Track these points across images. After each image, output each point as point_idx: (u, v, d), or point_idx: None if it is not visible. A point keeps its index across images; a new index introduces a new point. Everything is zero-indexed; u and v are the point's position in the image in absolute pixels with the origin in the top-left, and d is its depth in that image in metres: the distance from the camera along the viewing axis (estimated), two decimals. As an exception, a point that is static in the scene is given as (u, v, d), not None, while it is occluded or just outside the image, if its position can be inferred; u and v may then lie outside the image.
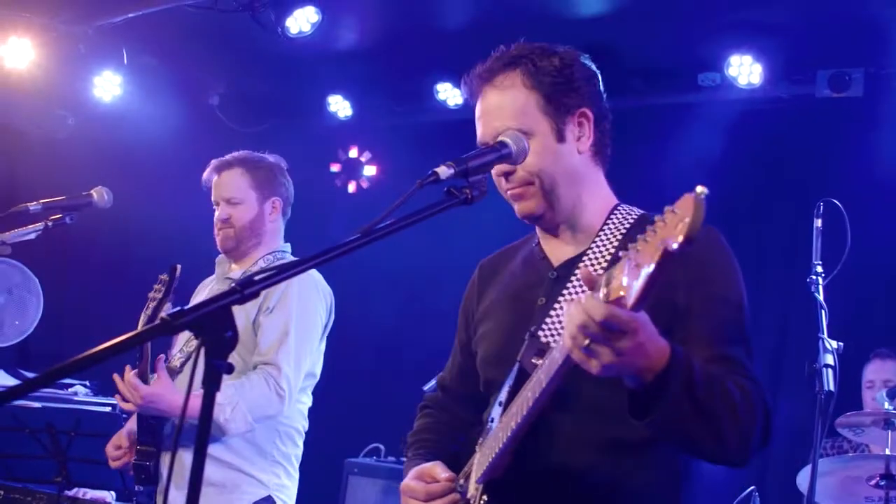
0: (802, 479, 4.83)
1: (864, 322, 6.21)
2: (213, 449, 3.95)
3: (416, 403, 3.04)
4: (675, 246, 1.70)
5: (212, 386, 1.98)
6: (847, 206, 4.56)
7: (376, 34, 7.37)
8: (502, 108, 2.53)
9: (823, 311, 4.41)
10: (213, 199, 4.39)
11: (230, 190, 4.33)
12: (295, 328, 4.11)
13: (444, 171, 2.32)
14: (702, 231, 2.43)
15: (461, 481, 2.52)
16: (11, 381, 6.91)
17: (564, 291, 2.52)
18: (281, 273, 2.09)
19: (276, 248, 4.41)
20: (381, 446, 7.25)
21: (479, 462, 2.47)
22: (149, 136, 8.00)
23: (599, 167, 2.65)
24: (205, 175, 4.42)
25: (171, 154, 7.86)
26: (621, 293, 1.83)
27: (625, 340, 1.95)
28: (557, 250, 2.63)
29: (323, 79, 8.30)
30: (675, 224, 1.71)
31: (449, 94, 7.70)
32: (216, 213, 4.37)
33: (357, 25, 7.46)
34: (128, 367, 3.95)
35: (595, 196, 2.62)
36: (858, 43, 6.39)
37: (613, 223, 2.58)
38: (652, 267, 1.75)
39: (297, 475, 4.28)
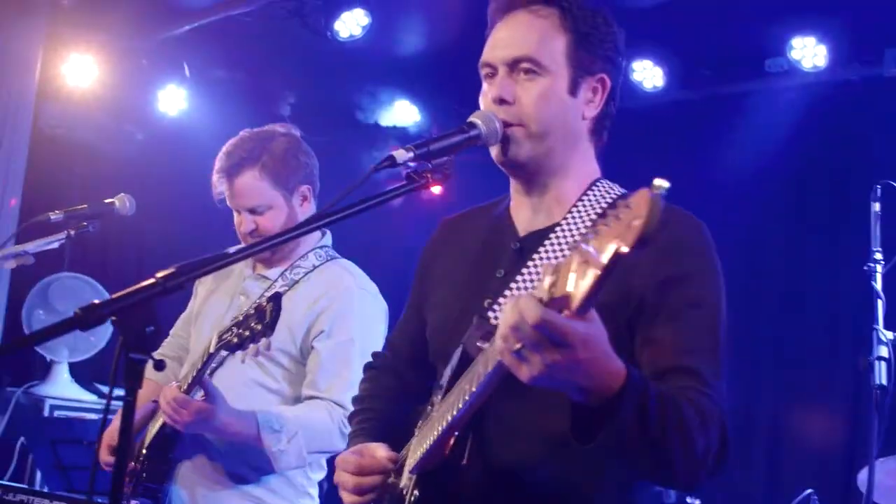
0: (864, 479, 4.55)
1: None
2: (246, 486, 3.69)
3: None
4: (625, 248, 1.53)
5: (133, 383, 1.89)
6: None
7: (443, 36, 7.30)
8: (527, 35, 2.37)
9: (880, 301, 4.17)
10: (229, 205, 3.87)
11: (251, 199, 3.78)
12: (358, 358, 3.54)
13: (401, 154, 2.22)
14: (684, 222, 2.30)
15: (399, 462, 2.39)
16: (88, 396, 7.01)
17: (525, 269, 2.34)
18: (206, 266, 1.99)
19: (316, 243, 3.93)
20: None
21: (414, 450, 2.31)
22: (217, 148, 8.04)
23: (593, 145, 2.48)
24: (214, 179, 3.87)
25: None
26: (567, 290, 1.66)
27: (559, 353, 1.74)
28: (526, 218, 2.45)
29: (390, 84, 8.25)
30: (628, 222, 1.53)
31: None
32: (237, 221, 3.87)
33: (420, 28, 7.41)
34: (172, 384, 3.52)
35: (582, 167, 2.45)
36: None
37: (590, 198, 2.40)
38: (600, 269, 1.58)
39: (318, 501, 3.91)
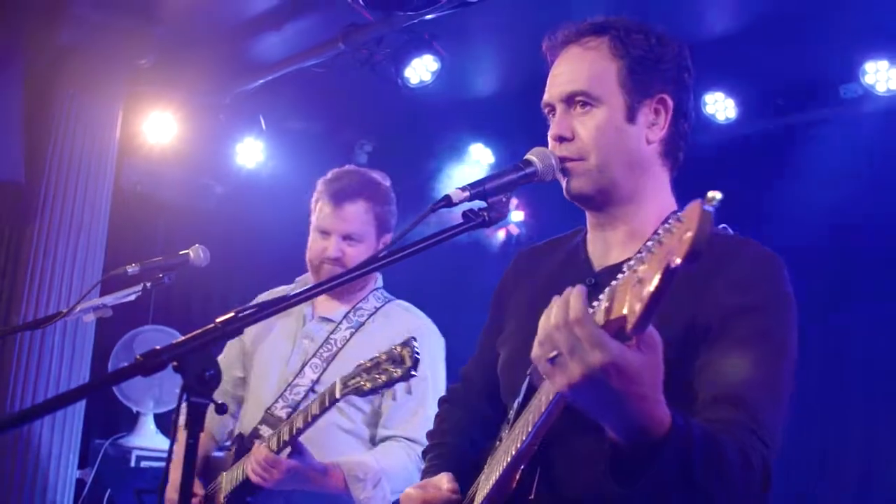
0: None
1: None
2: None
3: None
4: (677, 261, 1.48)
5: (195, 427, 1.92)
6: None
7: (511, 78, 7.34)
8: (579, 69, 2.36)
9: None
10: (322, 226, 3.91)
11: (352, 226, 3.87)
12: (431, 394, 3.70)
13: (457, 194, 2.23)
14: (758, 254, 2.24)
15: (467, 497, 2.37)
16: (173, 445, 7.09)
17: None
18: (265, 310, 2.02)
19: (374, 285, 4.07)
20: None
21: (482, 485, 2.29)
22: (296, 199, 8.15)
23: (667, 168, 2.43)
24: (318, 196, 3.96)
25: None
26: (623, 312, 1.62)
27: (591, 358, 1.69)
28: (601, 252, 2.42)
29: (463, 128, 8.30)
30: (680, 236, 1.50)
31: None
32: (320, 243, 3.91)
33: (490, 71, 7.45)
34: (257, 443, 3.64)
35: (655, 196, 2.39)
36: None
37: None
38: (654, 285, 1.53)
39: None
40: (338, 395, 3.37)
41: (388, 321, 3.94)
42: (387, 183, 4.07)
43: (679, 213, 1.54)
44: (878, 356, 6.52)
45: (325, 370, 3.87)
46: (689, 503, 1.88)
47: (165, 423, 7.33)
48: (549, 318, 1.77)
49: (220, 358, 4.13)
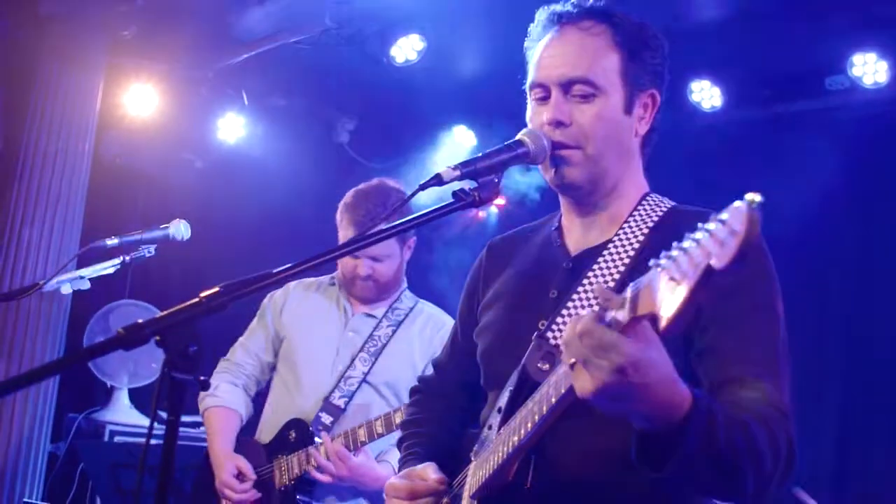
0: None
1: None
2: None
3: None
4: (721, 264, 1.46)
5: (176, 403, 1.88)
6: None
7: (496, 61, 7.29)
8: (581, 54, 2.33)
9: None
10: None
11: (379, 249, 4.10)
12: None
13: (448, 173, 2.20)
14: None
15: (453, 488, 2.36)
16: (148, 422, 7.03)
17: (580, 287, 2.29)
18: (250, 285, 1.98)
19: (405, 284, 4.37)
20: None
21: (474, 474, 2.28)
22: (276, 175, 8.12)
23: (643, 158, 2.46)
24: (342, 218, 4.18)
25: (300, 192, 7.92)
26: (654, 309, 1.60)
27: (609, 371, 1.70)
28: (578, 237, 2.43)
29: (447, 109, 8.25)
30: (724, 238, 1.46)
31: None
32: (351, 262, 4.16)
33: (475, 52, 7.40)
34: (325, 435, 3.95)
35: (633, 183, 2.42)
36: None
37: (641, 213, 2.36)
38: (690, 284, 1.51)
39: None
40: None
41: (422, 318, 4.28)
42: (401, 189, 4.24)
43: (720, 214, 1.50)
44: (852, 358, 6.55)
45: (373, 364, 4.15)
46: (720, 482, 1.90)
47: (140, 398, 7.27)
48: (566, 330, 1.78)
49: (244, 340, 4.42)
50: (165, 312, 1.88)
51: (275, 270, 2.06)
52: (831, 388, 6.58)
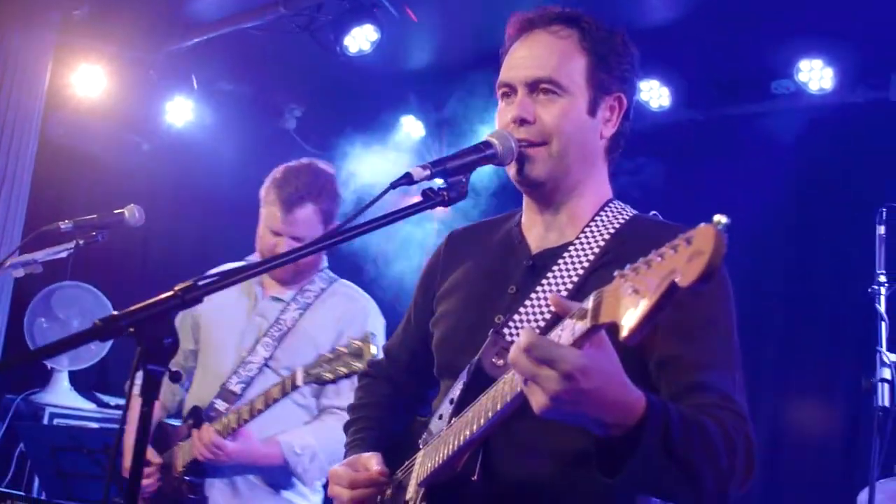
0: (864, 500, 4.56)
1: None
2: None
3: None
4: (685, 283, 1.50)
5: (150, 394, 1.90)
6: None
7: (448, 54, 7.32)
8: (548, 56, 2.40)
9: (884, 323, 4.20)
10: (272, 227, 4.06)
11: (303, 230, 4.02)
12: None
13: (418, 172, 2.22)
14: None
15: (399, 475, 2.40)
16: (88, 405, 7.00)
17: (539, 286, 2.34)
18: (226, 279, 2.01)
19: (323, 265, 4.28)
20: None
21: (422, 463, 2.32)
22: (222, 161, 8.09)
23: (607, 163, 2.51)
24: (267, 193, 4.10)
25: (246, 177, 7.88)
26: (615, 318, 1.64)
27: (558, 383, 1.75)
28: (539, 235, 2.47)
29: (396, 99, 8.26)
30: (689, 257, 1.50)
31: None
32: (270, 239, 4.05)
33: (427, 44, 7.42)
34: (205, 425, 3.90)
35: (596, 187, 2.48)
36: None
37: (603, 218, 2.42)
38: (654, 298, 1.56)
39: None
40: (299, 383, 3.69)
41: (333, 300, 4.18)
42: (332, 172, 4.21)
43: (687, 233, 1.54)
44: (788, 358, 6.67)
45: (276, 348, 4.07)
46: (677, 483, 1.93)
47: (80, 381, 7.22)
48: (512, 350, 1.82)
49: None
50: (141, 304, 1.89)
51: (249, 264, 2.10)
52: (764, 392, 6.72)
